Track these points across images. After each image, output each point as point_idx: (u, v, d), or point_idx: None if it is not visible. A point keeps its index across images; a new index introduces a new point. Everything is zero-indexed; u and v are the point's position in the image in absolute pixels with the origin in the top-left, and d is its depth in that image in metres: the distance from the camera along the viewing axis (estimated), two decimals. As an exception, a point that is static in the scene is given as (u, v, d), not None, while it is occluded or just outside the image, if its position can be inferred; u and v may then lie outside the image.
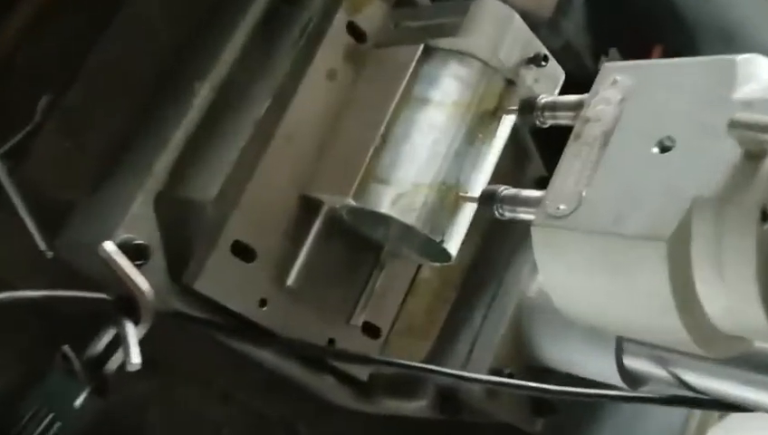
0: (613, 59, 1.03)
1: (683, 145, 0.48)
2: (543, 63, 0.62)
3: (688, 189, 0.46)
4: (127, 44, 0.64)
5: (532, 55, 0.62)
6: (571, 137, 0.54)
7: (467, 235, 0.65)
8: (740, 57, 0.49)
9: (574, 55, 0.96)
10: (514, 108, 0.63)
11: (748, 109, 0.46)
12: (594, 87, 0.55)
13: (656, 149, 0.49)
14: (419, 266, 0.76)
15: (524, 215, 0.58)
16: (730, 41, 1.02)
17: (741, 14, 1.01)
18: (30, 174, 0.63)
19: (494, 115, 0.63)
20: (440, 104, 0.62)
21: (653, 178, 0.48)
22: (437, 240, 0.61)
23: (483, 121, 0.63)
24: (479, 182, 0.64)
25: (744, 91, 0.48)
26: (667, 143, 0.49)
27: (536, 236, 0.52)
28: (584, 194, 0.50)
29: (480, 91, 0.62)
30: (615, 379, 0.76)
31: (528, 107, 0.62)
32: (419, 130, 0.62)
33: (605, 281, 0.50)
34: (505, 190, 0.60)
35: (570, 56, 0.96)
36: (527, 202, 0.58)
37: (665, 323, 0.48)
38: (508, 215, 0.60)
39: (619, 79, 0.54)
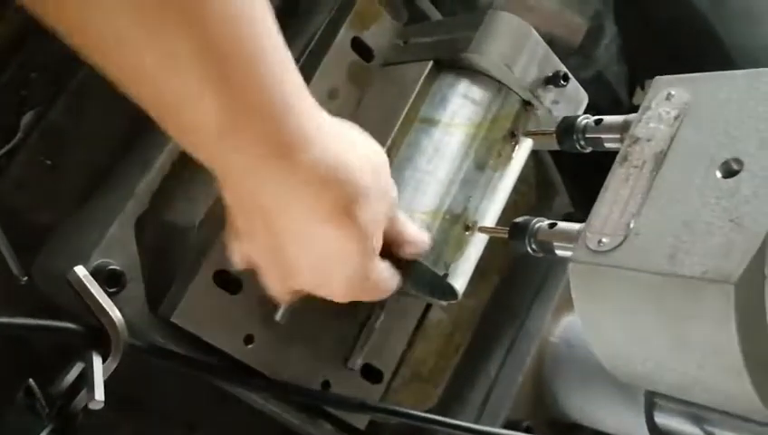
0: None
1: (752, 168, 0.41)
2: (563, 83, 0.56)
3: (760, 221, 0.39)
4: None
5: (550, 74, 0.56)
6: (617, 160, 0.48)
7: (484, 273, 0.59)
8: None
9: (606, 85, 0.90)
10: (533, 130, 0.57)
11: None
12: (645, 103, 0.49)
13: (719, 174, 0.42)
14: (428, 306, 0.70)
15: (561, 251, 0.51)
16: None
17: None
18: (6, 194, 0.59)
19: (509, 140, 0.57)
20: (448, 126, 0.56)
21: (716, 208, 0.41)
22: (440, 274, 0.55)
23: (495, 146, 0.57)
24: (490, 212, 0.58)
25: None
26: (734, 166, 0.42)
27: (575, 274, 0.46)
28: (632, 226, 0.44)
29: (492, 112, 0.57)
30: None
31: (568, 128, 0.55)
32: (424, 154, 0.56)
33: (655, 329, 0.43)
34: (539, 222, 0.53)
35: (601, 87, 0.90)
36: (564, 236, 0.51)
37: (728, 382, 0.41)
38: (542, 251, 0.53)
39: (674, 93, 0.47)
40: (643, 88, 0.99)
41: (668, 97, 0.46)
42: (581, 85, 0.62)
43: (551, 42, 0.61)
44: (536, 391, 0.78)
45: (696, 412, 0.66)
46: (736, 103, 0.43)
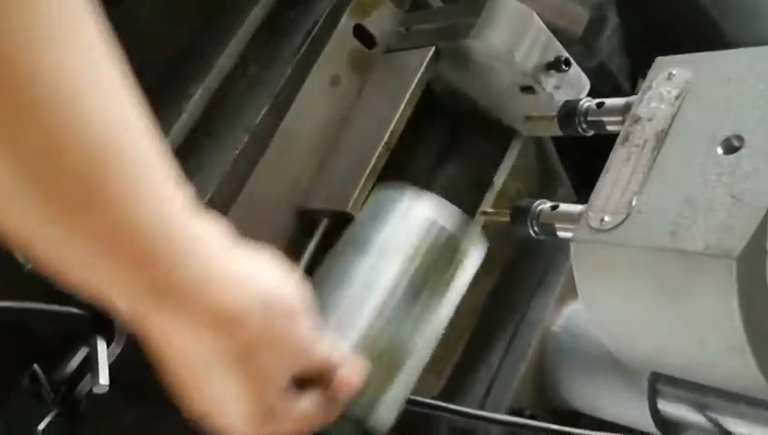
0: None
1: (753, 144, 0.41)
2: (565, 68, 0.57)
3: (760, 197, 0.39)
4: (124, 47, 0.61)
5: (552, 59, 0.57)
6: (618, 140, 0.48)
7: (486, 265, 0.58)
8: None
9: (608, 76, 0.91)
10: (535, 115, 0.57)
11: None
12: (646, 83, 0.49)
13: (720, 150, 0.42)
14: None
15: (563, 232, 0.52)
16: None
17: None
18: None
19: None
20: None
21: (717, 184, 0.41)
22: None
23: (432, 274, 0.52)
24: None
25: None
26: (735, 143, 0.42)
27: (577, 253, 0.46)
28: (634, 203, 0.44)
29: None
30: (648, 425, 0.70)
31: (570, 112, 0.55)
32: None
33: (657, 306, 0.44)
34: (541, 204, 0.54)
35: (603, 77, 0.91)
36: (566, 217, 0.51)
37: (731, 359, 0.42)
38: (544, 233, 0.53)
39: (675, 72, 0.48)
40: (645, 78, 1.00)
41: (669, 76, 0.47)
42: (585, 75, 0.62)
43: (553, 32, 0.61)
44: (538, 380, 0.79)
45: (700, 399, 0.66)
46: (737, 81, 0.44)
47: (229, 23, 0.62)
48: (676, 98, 0.45)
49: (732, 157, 0.41)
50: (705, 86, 0.45)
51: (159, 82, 0.63)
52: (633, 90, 1.00)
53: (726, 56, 0.46)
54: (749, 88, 0.43)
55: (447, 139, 0.65)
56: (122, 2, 0.63)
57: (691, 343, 0.43)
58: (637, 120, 0.47)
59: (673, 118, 0.45)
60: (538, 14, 0.62)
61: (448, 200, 0.62)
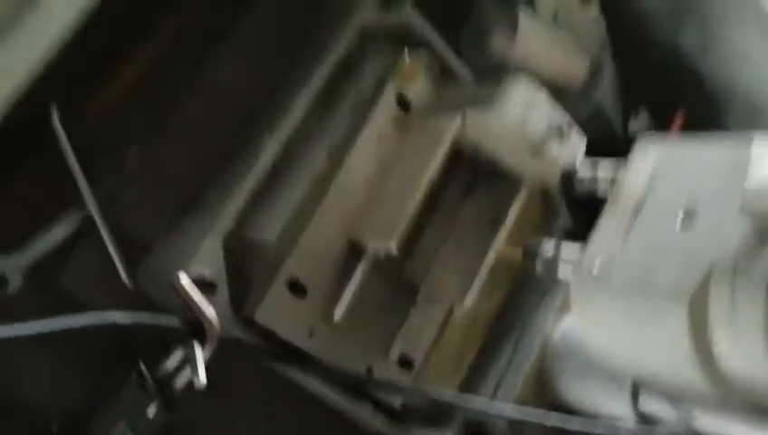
0: (643, 119, 1.10)
1: (705, 218, 0.55)
2: (568, 135, 0.71)
3: (708, 257, 0.52)
4: (207, 106, 0.75)
5: (556, 126, 0.71)
6: (609, 200, 0.62)
7: (497, 281, 0.72)
8: (757, 140, 0.57)
9: (604, 123, 1.03)
10: (540, 183, 0.70)
11: (759, 192, 0.54)
12: (629, 159, 0.63)
13: (681, 219, 0.56)
14: (451, 310, 0.84)
15: (563, 275, 0.65)
16: (755, 114, 1.08)
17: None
18: (119, 215, 0.73)
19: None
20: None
21: (679, 245, 0.55)
22: None
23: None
24: None
25: (758, 174, 0.55)
26: (692, 215, 0.56)
27: (574, 290, 0.60)
28: (619, 254, 0.57)
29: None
30: (630, 419, 0.82)
31: (568, 178, 0.69)
32: None
33: (635, 333, 0.57)
34: (548, 251, 0.66)
35: (600, 123, 1.03)
36: (566, 260, 0.65)
37: (686, 375, 0.55)
38: (547, 274, 0.66)
39: (650, 155, 0.61)
40: (638, 114, 1.12)
41: (646, 157, 0.61)
42: (580, 122, 0.75)
43: (555, 87, 0.74)
44: (538, 381, 0.91)
45: (676, 399, 0.79)
46: (697, 169, 0.58)
47: (294, 88, 0.75)
48: (651, 175, 0.60)
49: (690, 225, 0.55)
50: (672, 169, 0.59)
51: (239, 132, 0.77)
52: (626, 130, 1.12)
53: (692, 147, 0.60)
54: (704, 174, 0.57)
55: (470, 183, 0.79)
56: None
57: (660, 362, 0.56)
58: (621, 188, 0.61)
59: (647, 190, 0.59)
60: (542, 70, 0.74)
61: (467, 234, 0.77)
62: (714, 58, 1.09)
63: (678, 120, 1.04)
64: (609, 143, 0.80)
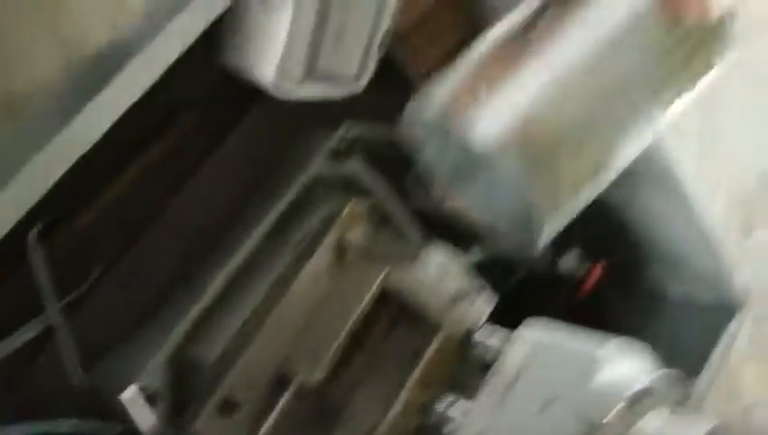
0: (572, 258, 1.22)
1: (557, 410, 0.65)
2: (473, 300, 0.82)
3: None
4: (169, 237, 0.86)
5: (465, 291, 0.82)
6: (491, 371, 0.73)
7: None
8: (603, 350, 0.67)
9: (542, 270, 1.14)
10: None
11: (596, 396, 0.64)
12: (510, 343, 0.74)
13: (539, 406, 0.66)
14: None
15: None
16: (674, 267, 1.20)
17: (686, 250, 1.16)
18: (82, 322, 0.83)
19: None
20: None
21: (538, 426, 0.65)
22: None
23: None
24: None
25: (600, 378, 0.65)
26: (549, 403, 0.66)
27: None
28: (488, 426, 0.68)
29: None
30: None
31: (468, 341, 0.81)
32: None
33: None
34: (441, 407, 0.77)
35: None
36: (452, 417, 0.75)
37: None
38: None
39: (525, 344, 0.73)
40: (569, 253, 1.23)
41: (522, 344, 0.72)
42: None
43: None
44: None
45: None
46: (555, 363, 0.69)
47: (248, 225, 0.87)
48: (523, 358, 0.71)
49: (546, 409, 0.65)
50: (538, 359, 0.70)
51: (193, 263, 0.87)
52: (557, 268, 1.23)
53: (554, 344, 0.71)
54: (561, 370, 0.67)
55: (394, 320, 0.90)
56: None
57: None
58: (500, 365, 0.72)
59: (519, 372, 0.70)
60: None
61: (387, 367, 0.87)
62: (636, 214, 1.20)
63: (596, 272, 1.15)
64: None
